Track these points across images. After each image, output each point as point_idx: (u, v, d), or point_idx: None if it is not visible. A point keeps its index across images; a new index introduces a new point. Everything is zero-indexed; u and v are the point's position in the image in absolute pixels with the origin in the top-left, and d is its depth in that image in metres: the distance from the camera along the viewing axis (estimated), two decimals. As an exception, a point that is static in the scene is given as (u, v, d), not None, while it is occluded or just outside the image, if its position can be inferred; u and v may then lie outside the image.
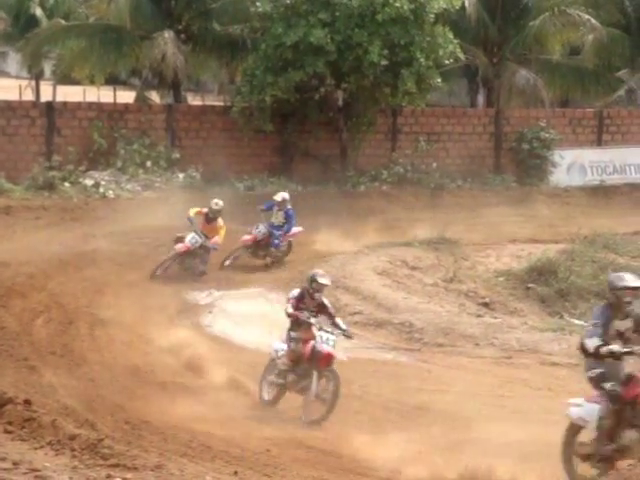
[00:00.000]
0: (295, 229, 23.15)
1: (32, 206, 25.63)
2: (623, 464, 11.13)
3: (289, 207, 22.94)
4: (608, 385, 10.81)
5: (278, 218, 22.92)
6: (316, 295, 14.40)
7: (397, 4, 27.41)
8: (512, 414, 14.11)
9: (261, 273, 22.57)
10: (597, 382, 10.93)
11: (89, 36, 30.80)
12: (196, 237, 21.48)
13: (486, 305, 20.42)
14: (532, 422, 12.77)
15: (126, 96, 35.66)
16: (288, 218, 22.91)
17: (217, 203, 21.84)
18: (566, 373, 16.48)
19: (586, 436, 11.22)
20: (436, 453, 12.30)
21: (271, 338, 16.83)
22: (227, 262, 22.52)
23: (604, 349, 10.65)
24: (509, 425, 13.35)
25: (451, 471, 11.66)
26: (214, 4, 31.13)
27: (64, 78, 38.23)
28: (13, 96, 36.24)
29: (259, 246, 22.93)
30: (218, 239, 21.73)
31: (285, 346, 14.56)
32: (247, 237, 22.82)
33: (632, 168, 33.13)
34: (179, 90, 31.89)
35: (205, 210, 21.79)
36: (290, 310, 14.47)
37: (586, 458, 11.12)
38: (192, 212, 21.70)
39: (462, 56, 29.60)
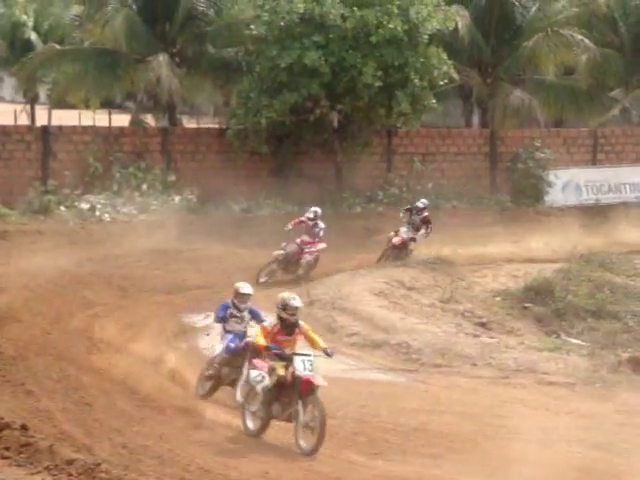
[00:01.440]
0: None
1: (28, 230, 25.59)
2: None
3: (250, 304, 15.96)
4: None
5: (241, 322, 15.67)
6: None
7: (391, 25, 27.51)
8: (510, 434, 14.07)
9: (256, 293, 22.49)
10: None
11: (84, 60, 30.91)
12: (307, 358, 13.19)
13: (483, 325, 20.39)
14: (530, 442, 12.73)
15: (121, 119, 35.65)
16: (255, 317, 15.65)
17: (294, 298, 13.83)
18: (564, 392, 16.47)
19: None
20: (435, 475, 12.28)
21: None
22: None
23: None
24: (507, 445, 13.33)
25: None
26: (208, 27, 31.22)
27: (59, 102, 38.22)
28: (8, 120, 36.22)
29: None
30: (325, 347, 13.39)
31: None
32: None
33: (627, 187, 33.21)
34: (174, 113, 31.93)
35: (273, 323, 13.72)
36: None
37: None
38: (260, 339, 13.44)
39: (456, 77, 29.70)
